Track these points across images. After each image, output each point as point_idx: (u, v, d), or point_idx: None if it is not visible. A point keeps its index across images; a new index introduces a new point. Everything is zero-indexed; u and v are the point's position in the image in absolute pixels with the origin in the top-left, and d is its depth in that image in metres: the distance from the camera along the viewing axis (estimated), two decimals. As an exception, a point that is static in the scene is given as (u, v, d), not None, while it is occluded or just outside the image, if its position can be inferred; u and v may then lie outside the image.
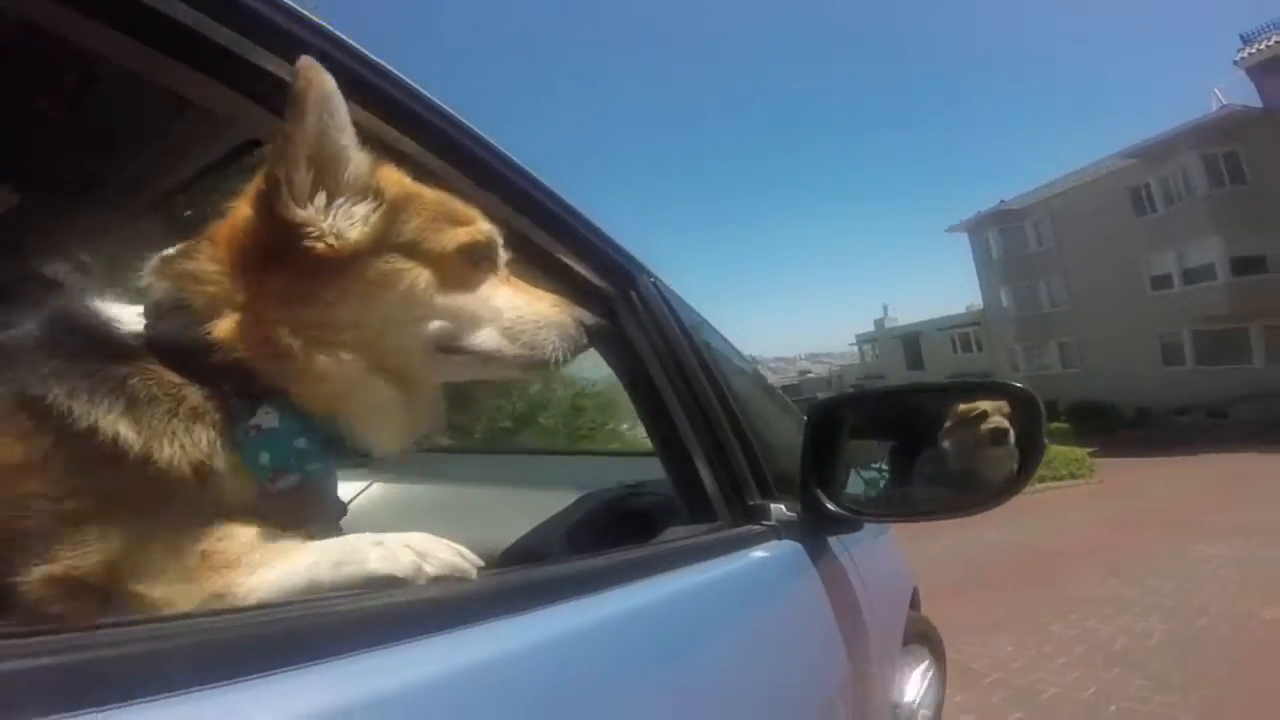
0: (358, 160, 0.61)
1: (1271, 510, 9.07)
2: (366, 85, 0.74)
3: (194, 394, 0.57)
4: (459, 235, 0.65)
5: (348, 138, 0.60)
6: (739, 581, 1.02)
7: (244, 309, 0.58)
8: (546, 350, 0.68)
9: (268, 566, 0.53)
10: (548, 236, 0.96)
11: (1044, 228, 27.63)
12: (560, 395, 9.95)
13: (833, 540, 1.33)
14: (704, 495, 1.12)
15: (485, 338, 0.66)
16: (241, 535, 0.55)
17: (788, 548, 1.16)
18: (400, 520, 0.67)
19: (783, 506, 1.18)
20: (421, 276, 0.62)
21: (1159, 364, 23.59)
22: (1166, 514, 9.66)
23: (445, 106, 0.82)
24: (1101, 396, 21.82)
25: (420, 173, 0.79)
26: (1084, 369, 25.84)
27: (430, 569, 0.55)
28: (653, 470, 1.25)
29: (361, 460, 0.66)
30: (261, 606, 0.51)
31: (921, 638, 2.14)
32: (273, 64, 0.67)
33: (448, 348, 0.65)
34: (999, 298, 29.93)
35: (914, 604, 2.23)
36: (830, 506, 1.15)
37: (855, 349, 44.73)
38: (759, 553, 1.10)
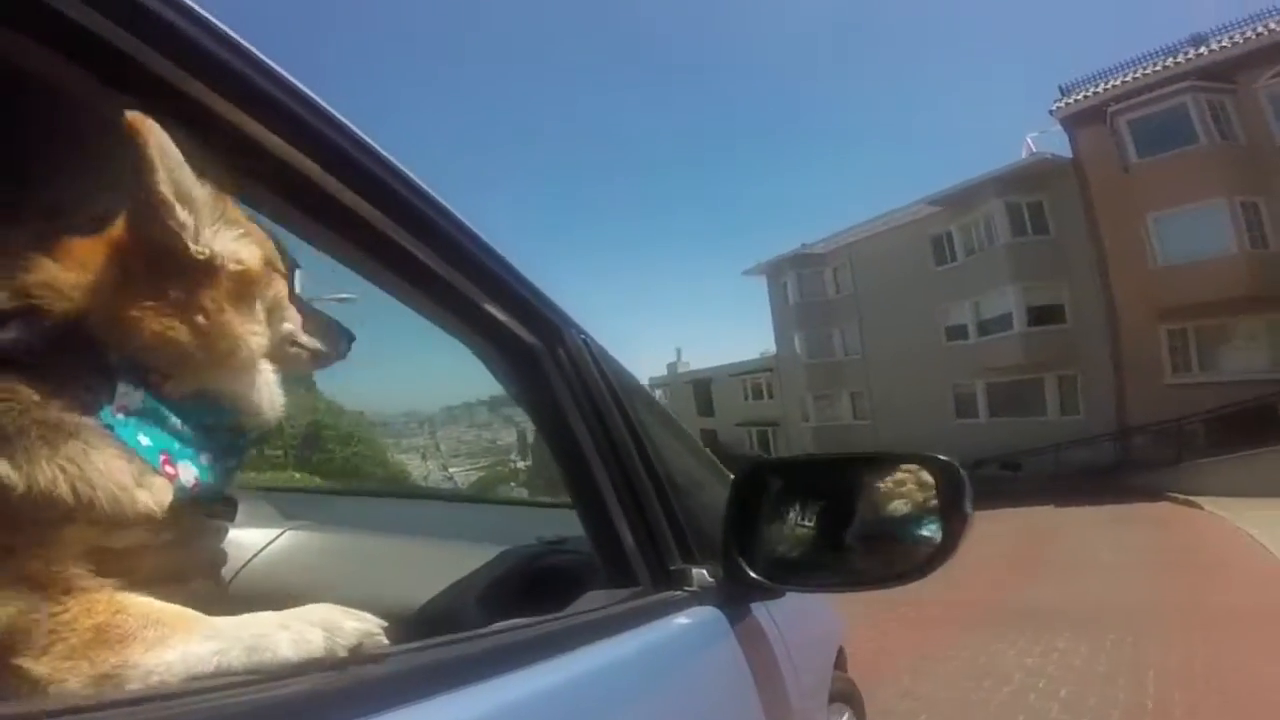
0: (205, 193, 0.63)
1: (1078, 579, 8.56)
2: (313, 133, 0.72)
3: (56, 406, 0.53)
4: (279, 258, 0.74)
5: (190, 175, 0.61)
6: (659, 652, 0.99)
7: (137, 311, 0.59)
8: (341, 347, 0.81)
9: (164, 645, 0.50)
10: (473, 285, 0.94)
11: (843, 274, 26.53)
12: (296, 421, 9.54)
13: (755, 604, 1.32)
14: (624, 558, 1.09)
15: (310, 338, 0.77)
16: (136, 607, 0.52)
17: (709, 614, 1.14)
18: (315, 573, 0.66)
19: (705, 571, 1.16)
20: (281, 284, 0.73)
21: (952, 416, 22.78)
22: (966, 593, 7.49)
23: (378, 147, 0.79)
24: (893, 450, 21.26)
25: (337, 212, 0.77)
26: (875, 421, 24.88)
27: (342, 642, 0.55)
28: (575, 523, 1.22)
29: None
30: (158, 695, 0.47)
31: (843, 696, 2.17)
32: (210, 99, 0.64)
33: (293, 342, 0.75)
34: (793, 344, 28.18)
35: (840, 664, 2.23)
36: (752, 575, 1.14)
37: (647, 393, 43.39)
38: (680, 620, 1.08)
